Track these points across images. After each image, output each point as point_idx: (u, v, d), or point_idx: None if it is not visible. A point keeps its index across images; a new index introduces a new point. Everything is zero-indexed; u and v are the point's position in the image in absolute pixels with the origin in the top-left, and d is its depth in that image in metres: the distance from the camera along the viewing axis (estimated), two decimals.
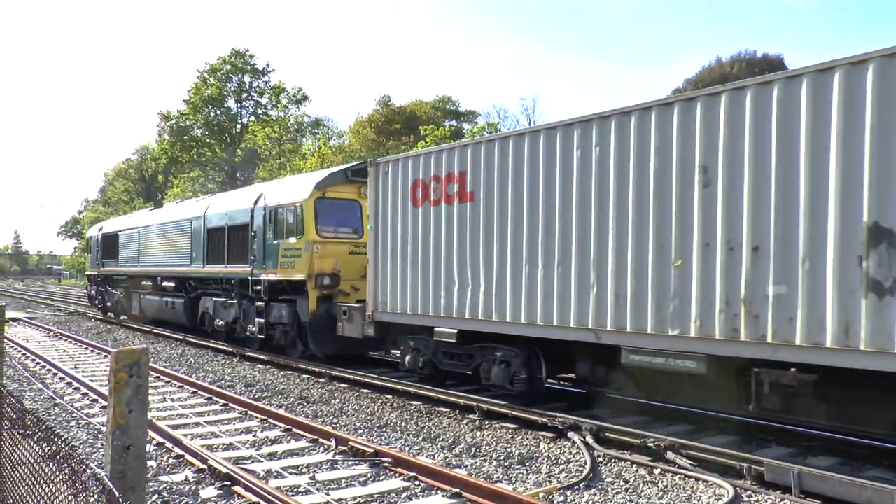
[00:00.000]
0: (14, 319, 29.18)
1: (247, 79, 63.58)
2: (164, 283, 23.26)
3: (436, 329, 12.03)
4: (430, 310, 12.11)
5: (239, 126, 64.47)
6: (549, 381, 12.01)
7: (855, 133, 7.09)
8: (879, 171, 6.89)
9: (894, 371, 6.78)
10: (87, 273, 34.02)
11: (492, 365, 11.39)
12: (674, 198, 8.55)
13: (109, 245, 29.05)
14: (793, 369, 7.60)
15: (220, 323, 19.72)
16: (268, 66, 64.12)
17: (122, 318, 28.25)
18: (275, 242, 16.59)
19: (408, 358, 13.22)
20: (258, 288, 17.16)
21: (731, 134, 8.04)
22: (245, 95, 64.07)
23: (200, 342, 20.42)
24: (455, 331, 11.65)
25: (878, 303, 6.87)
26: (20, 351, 18.98)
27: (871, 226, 6.91)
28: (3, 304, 8.90)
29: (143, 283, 25.15)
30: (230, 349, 18.62)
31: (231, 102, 64.12)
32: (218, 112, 63.76)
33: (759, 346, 7.74)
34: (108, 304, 29.71)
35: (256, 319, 17.38)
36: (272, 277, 16.64)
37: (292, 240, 15.99)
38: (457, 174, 11.63)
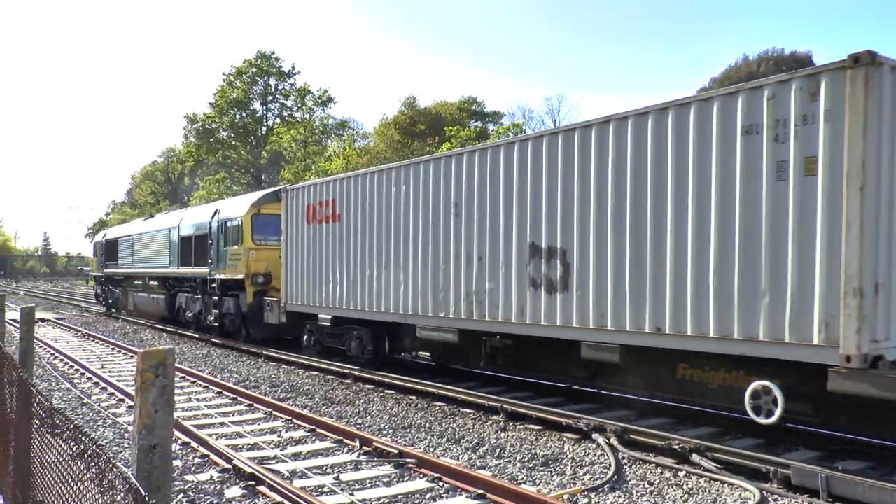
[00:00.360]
0: (43, 320, 29.59)
1: (272, 81, 64.05)
2: (151, 282, 27.83)
3: (319, 315, 16.23)
4: (317, 301, 16.24)
5: (264, 128, 64.92)
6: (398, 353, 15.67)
7: (523, 182, 11.10)
8: (534, 209, 10.87)
9: (549, 336, 10.66)
10: (94, 274, 40.02)
11: (352, 341, 15.50)
12: (441, 226, 12.61)
13: (110, 250, 33.40)
14: (498, 336, 11.90)
15: (190, 314, 24.05)
16: (293, 68, 64.46)
17: (122, 312, 32.14)
18: (224, 248, 20.88)
19: (304, 338, 17.44)
20: (213, 285, 21.52)
21: (478, 181, 11.93)
22: (270, 98, 64.55)
23: (226, 343, 20.59)
24: (330, 317, 15.91)
25: (534, 293, 10.80)
26: (49, 351, 19.24)
27: (530, 244, 10.92)
28: (34, 304, 9.03)
29: (136, 282, 29.75)
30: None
31: (256, 105, 64.63)
32: (243, 114, 64.27)
33: (482, 322, 11.83)
34: (111, 300, 34.22)
35: (213, 311, 21.88)
36: (223, 277, 20.90)
37: (235, 247, 20.28)
38: (330, 201, 15.74)
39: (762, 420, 8.20)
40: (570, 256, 10.25)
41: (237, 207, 20.91)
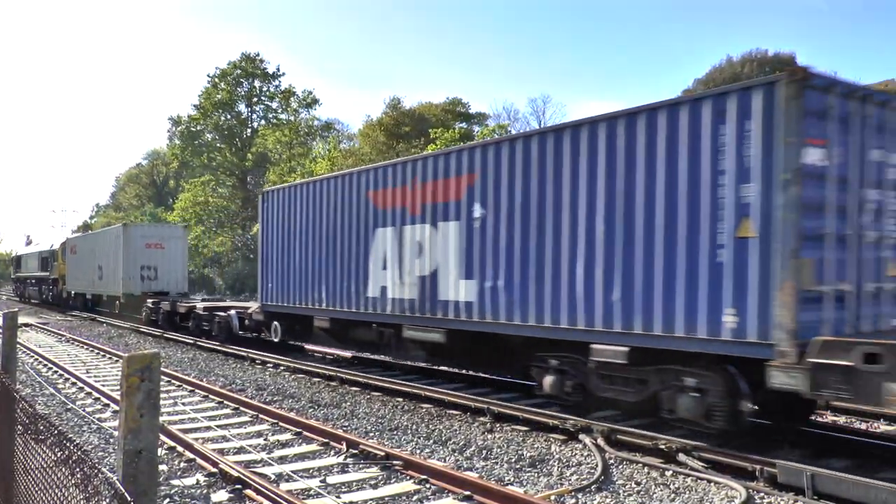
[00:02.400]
0: (26, 324, 29.34)
1: (257, 83, 63.81)
2: (31, 280, 51.08)
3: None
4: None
5: (249, 130, 64.68)
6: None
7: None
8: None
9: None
10: (13, 276, 64.11)
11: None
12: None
13: (18, 262, 59.68)
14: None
15: (43, 295, 46.53)
16: (278, 69, 64.26)
17: (28, 298, 51.89)
18: (53, 263, 42.43)
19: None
20: (52, 278, 43.94)
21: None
22: (255, 100, 64.30)
23: (211, 346, 20.49)
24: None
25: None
26: (32, 356, 19.08)
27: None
28: (16, 309, 8.95)
29: (28, 280, 52.37)
30: (241, 353, 18.83)
31: (241, 107, 64.35)
32: (228, 116, 64.01)
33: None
34: (20, 292, 56.67)
35: (50, 291, 43.62)
36: (54, 276, 43.82)
37: (56, 262, 41.38)
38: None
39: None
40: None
41: (57, 245, 43.41)
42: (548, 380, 10.91)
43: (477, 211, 11.93)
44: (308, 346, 19.45)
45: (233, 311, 21.13)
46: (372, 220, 14.49)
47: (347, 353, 17.91)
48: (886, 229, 8.69)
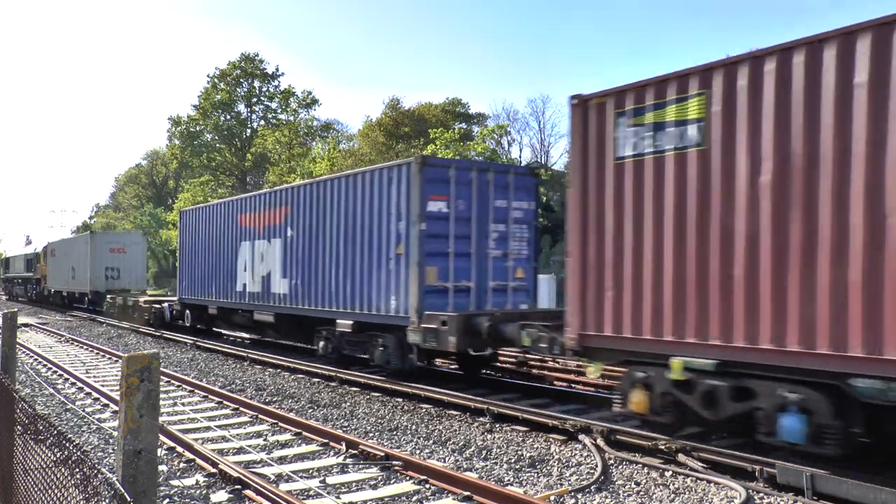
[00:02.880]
0: (26, 325, 29.33)
1: (256, 83, 63.83)
2: (18, 280, 55.85)
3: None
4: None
5: (249, 130, 64.71)
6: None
7: None
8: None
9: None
10: (2, 276, 66.24)
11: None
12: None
13: (6, 264, 63.84)
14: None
15: (30, 293, 51.77)
16: (277, 69, 64.30)
17: (15, 296, 57.69)
18: (36, 264, 48.10)
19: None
20: (36, 278, 48.23)
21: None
22: (255, 100, 64.33)
23: (211, 346, 20.49)
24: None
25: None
26: (32, 356, 19.09)
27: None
28: (16, 309, 8.96)
29: (15, 280, 57.00)
30: (241, 353, 18.86)
31: (241, 107, 64.40)
32: (228, 117, 64.03)
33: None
34: (8, 291, 62.18)
35: (35, 289, 49.53)
36: (37, 276, 49.46)
37: (39, 264, 46.49)
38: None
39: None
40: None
41: (39, 248, 48.19)
42: (320, 344, 16.43)
43: (289, 231, 17.53)
44: (225, 332, 24.12)
45: (166, 304, 26.36)
46: (239, 235, 20.25)
47: (247, 336, 22.83)
48: (511, 248, 14.14)
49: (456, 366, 15.43)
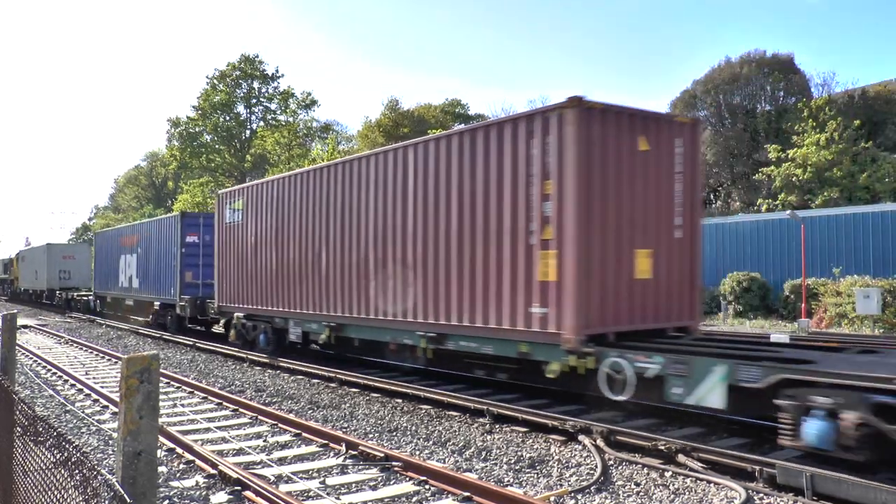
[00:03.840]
0: (25, 326, 29.33)
1: (256, 84, 63.82)
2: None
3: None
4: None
5: (248, 131, 64.68)
6: None
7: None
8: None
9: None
10: None
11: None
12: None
13: None
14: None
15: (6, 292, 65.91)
16: (277, 70, 64.29)
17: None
18: (11, 268, 61.89)
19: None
20: (9, 280, 63.18)
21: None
22: (254, 101, 64.31)
23: (210, 347, 20.48)
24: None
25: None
26: (31, 358, 19.08)
27: None
28: (15, 311, 8.95)
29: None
30: (240, 355, 18.88)
31: (240, 108, 64.38)
32: (227, 118, 64.01)
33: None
34: None
35: (9, 290, 62.58)
36: (10, 277, 61.36)
37: (13, 267, 60.55)
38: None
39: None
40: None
41: (13, 255, 60.32)
42: (150, 317, 27.29)
43: (139, 249, 28.67)
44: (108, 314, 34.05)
45: (91, 296, 37.51)
46: (120, 251, 31.75)
47: (141, 319, 29.32)
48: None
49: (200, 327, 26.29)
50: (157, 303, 26.53)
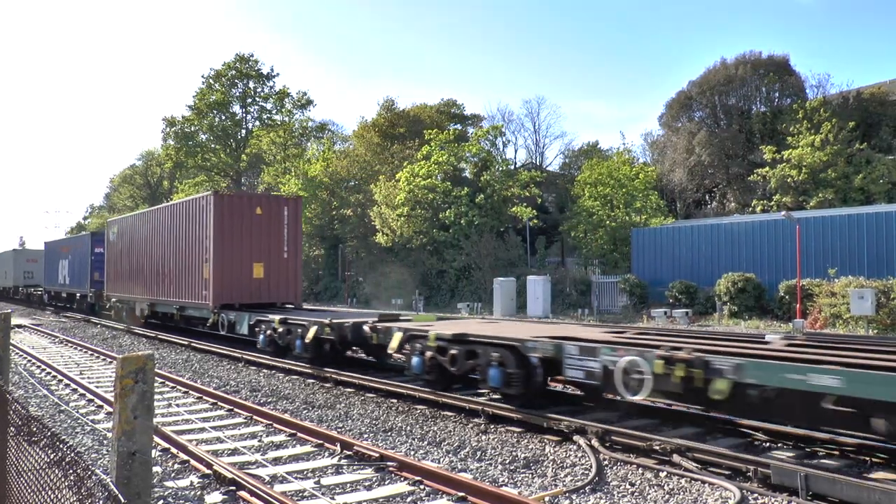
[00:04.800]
0: (19, 326, 29.25)
1: (251, 84, 63.74)
2: None
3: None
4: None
5: (244, 131, 64.62)
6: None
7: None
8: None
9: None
10: None
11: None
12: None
13: None
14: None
15: None
16: (272, 70, 64.23)
17: None
18: None
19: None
20: None
21: None
22: (250, 100, 64.24)
23: (205, 347, 20.46)
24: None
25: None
26: (25, 357, 19.03)
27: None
28: (9, 310, 8.93)
29: None
30: (235, 354, 18.88)
31: (236, 108, 64.32)
32: (223, 117, 63.94)
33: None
34: None
35: None
36: None
37: None
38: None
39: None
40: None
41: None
42: (74, 305, 39.32)
43: (69, 257, 39.20)
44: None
45: (42, 290, 46.94)
46: (61, 256, 41.23)
47: (73, 307, 38.77)
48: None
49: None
50: (78, 293, 37.83)
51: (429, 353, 12.12)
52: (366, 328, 14.20)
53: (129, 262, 28.03)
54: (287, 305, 21.50)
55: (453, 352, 11.66)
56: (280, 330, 16.93)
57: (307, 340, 15.45)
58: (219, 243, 20.39)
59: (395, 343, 13.01)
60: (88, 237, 36.60)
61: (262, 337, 17.74)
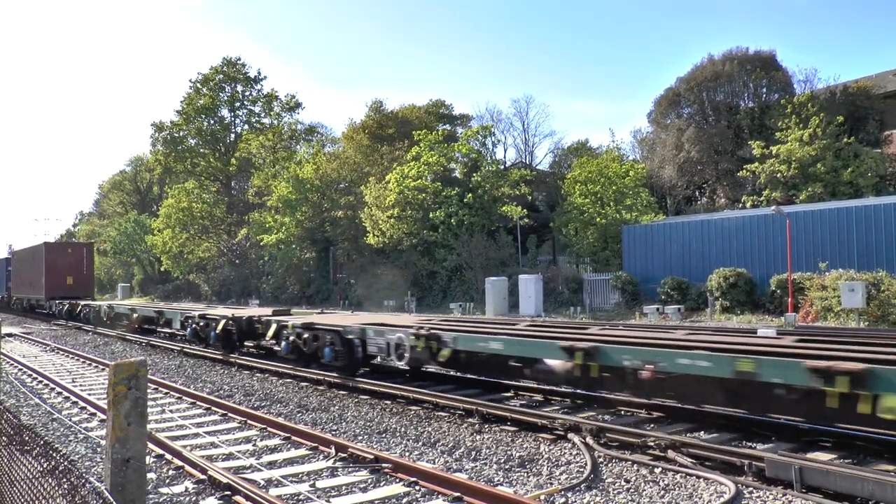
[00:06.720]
0: (10, 335, 29.10)
1: (239, 88, 63.65)
2: None
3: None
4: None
5: (233, 135, 64.50)
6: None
7: None
8: None
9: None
10: None
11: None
12: None
13: None
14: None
15: None
16: (259, 73, 64.11)
17: None
18: None
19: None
20: None
21: None
22: (238, 104, 64.13)
23: (198, 353, 20.41)
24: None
25: None
26: (16, 366, 18.93)
27: None
28: None
29: None
30: (229, 360, 18.87)
31: (224, 111, 64.23)
32: (211, 121, 63.82)
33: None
34: None
35: None
36: None
37: None
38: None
39: None
40: None
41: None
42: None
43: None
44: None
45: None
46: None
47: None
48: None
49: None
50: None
51: (291, 338, 15.75)
52: (255, 321, 17.96)
53: (22, 275, 48.35)
54: (87, 297, 40.19)
55: (305, 336, 15.36)
56: (201, 324, 20.45)
57: (218, 331, 19.03)
58: (49, 267, 41.49)
59: (270, 332, 16.68)
60: (4, 262, 57.39)
61: (189, 330, 21.29)
